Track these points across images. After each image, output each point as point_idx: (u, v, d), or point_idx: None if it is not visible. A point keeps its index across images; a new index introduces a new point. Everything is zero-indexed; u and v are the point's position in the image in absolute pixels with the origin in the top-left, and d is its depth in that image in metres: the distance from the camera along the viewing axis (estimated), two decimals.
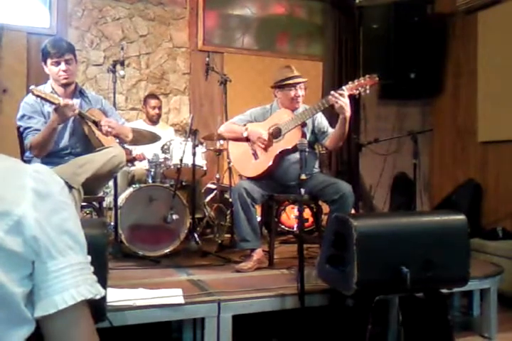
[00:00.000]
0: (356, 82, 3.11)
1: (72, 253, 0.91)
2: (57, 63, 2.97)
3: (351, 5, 5.66)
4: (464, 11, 5.17)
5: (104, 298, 1.63)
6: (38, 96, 2.76)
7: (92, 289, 0.92)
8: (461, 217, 2.26)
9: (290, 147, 3.19)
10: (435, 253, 2.16)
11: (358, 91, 3.10)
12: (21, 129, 3.00)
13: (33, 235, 0.85)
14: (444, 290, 2.35)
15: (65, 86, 3.05)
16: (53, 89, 3.06)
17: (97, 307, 0.97)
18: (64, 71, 2.99)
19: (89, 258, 0.95)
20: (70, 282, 0.89)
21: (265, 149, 3.28)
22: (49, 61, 2.98)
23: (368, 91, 3.11)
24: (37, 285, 0.89)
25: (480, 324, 3.05)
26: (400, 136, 4.93)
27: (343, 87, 3.10)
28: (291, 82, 3.31)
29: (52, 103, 2.79)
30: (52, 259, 0.88)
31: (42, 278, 0.88)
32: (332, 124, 3.34)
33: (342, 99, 3.02)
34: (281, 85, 3.35)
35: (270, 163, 3.24)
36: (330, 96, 3.07)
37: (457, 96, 5.42)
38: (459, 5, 5.16)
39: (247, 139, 3.34)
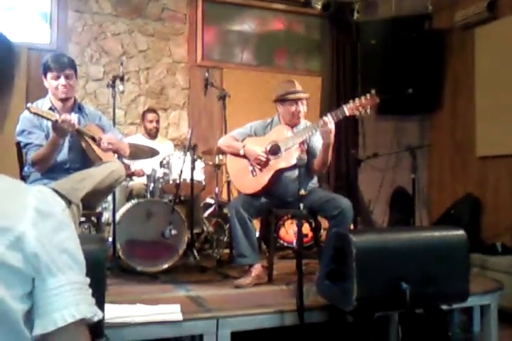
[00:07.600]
0: (357, 102, 3.06)
1: (72, 273, 0.91)
2: (57, 77, 2.96)
3: (349, 21, 5.72)
4: (461, 26, 5.23)
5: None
6: (35, 113, 2.74)
7: (91, 309, 0.92)
8: (461, 232, 2.26)
9: (289, 166, 3.14)
10: (435, 269, 2.15)
11: (358, 112, 3.06)
12: (22, 145, 2.99)
13: (33, 252, 0.86)
14: (444, 307, 2.34)
15: (63, 101, 3.04)
16: (52, 103, 3.04)
17: (95, 324, 0.96)
18: (63, 86, 2.97)
19: (88, 280, 0.95)
20: (70, 300, 0.89)
21: (263, 166, 3.25)
22: (49, 75, 2.96)
23: (368, 112, 3.07)
24: (36, 303, 0.88)
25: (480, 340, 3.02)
26: (398, 151, 4.94)
27: (344, 108, 3.07)
28: (292, 97, 3.24)
29: (49, 120, 2.78)
30: (52, 277, 0.88)
31: (41, 296, 0.88)
32: None
33: (328, 125, 2.99)
34: (282, 99, 3.27)
35: (267, 180, 3.20)
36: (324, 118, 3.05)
37: (455, 111, 5.45)
38: (457, 21, 5.22)
39: (244, 156, 3.31)
